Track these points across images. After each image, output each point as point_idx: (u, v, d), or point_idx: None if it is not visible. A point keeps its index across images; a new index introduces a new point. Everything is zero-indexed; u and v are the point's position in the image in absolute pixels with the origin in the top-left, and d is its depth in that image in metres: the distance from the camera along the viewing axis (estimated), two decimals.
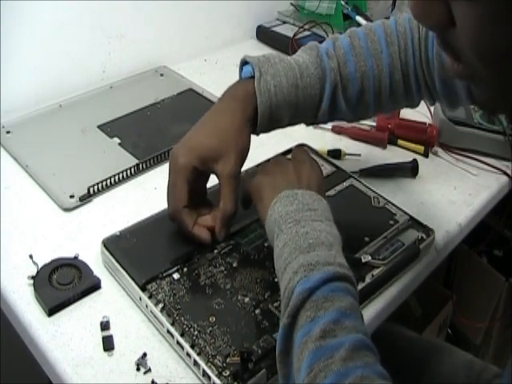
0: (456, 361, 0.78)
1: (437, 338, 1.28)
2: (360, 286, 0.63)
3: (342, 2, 1.22)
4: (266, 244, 0.68)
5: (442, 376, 0.76)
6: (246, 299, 0.62)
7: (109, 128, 0.91)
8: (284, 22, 1.27)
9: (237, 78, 1.14)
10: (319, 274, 0.50)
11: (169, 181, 0.65)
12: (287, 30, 1.22)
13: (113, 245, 0.66)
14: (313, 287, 0.49)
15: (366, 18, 1.23)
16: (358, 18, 1.22)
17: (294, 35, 1.17)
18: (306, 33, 1.20)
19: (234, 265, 0.66)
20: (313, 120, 0.70)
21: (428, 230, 0.72)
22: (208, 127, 0.65)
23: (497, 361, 1.37)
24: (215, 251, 0.67)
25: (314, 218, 0.55)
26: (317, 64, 0.66)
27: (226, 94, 0.66)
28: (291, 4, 1.30)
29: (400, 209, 0.75)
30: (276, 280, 0.63)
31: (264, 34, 1.25)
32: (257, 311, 0.61)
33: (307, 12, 1.24)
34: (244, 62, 0.67)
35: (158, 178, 0.82)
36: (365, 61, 0.67)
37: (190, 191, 0.64)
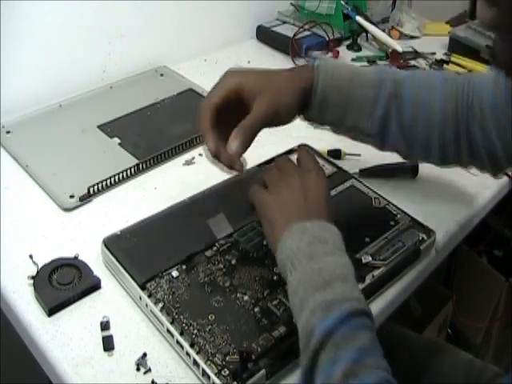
0: (456, 361, 0.78)
1: (437, 338, 1.28)
2: (360, 287, 0.63)
3: (342, 2, 1.22)
4: (264, 242, 0.68)
5: (443, 376, 0.76)
6: (245, 297, 0.62)
7: (109, 128, 0.91)
8: (284, 22, 1.27)
9: None
10: (337, 313, 0.49)
11: (210, 91, 0.67)
12: (287, 30, 1.22)
13: (113, 244, 0.66)
14: (332, 328, 0.48)
15: (366, 18, 1.23)
16: (358, 18, 1.22)
17: (294, 35, 1.17)
18: (306, 33, 1.20)
19: (233, 262, 0.66)
20: (364, 128, 0.68)
21: (429, 231, 0.72)
22: (264, 70, 0.68)
23: (497, 361, 1.37)
24: (214, 248, 0.67)
25: (327, 252, 0.54)
26: (375, 72, 0.68)
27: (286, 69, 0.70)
28: (291, 4, 1.30)
29: (401, 209, 0.75)
30: (275, 278, 0.64)
31: (264, 34, 1.25)
32: (256, 309, 0.61)
33: (307, 12, 1.24)
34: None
35: (158, 177, 0.82)
36: (421, 90, 0.67)
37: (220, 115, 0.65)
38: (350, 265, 0.55)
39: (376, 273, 0.66)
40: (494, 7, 0.39)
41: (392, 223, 0.73)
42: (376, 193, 0.77)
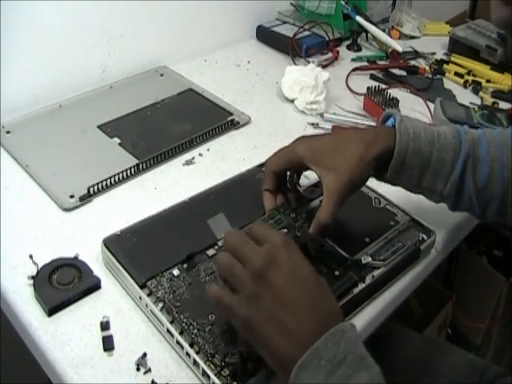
0: (458, 360, 0.78)
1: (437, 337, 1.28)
2: (360, 287, 0.63)
3: (342, 2, 1.22)
4: None
5: (444, 375, 0.76)
6: None
7: (109, 128, 0.91)
8: (284, 22, 1.27)
9: (236, 76, 1.15)
10: None
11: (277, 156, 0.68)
12: (287, 30, 1.22)
13: (113, 244, 0.66)
14: None
15: (366, 18, 1.23)
16: (358, 18, 1.22)
17: (294, 35, 1.17)
18: (306, 33, 1.20)
19: None
20: (440, 190, 0.68)
21: (429, 231, 0.72)
22: (334, 138, 0.67)
23: (497, 361, 1.37)
24: (215, 247, 0.67)
25: (349, 373, 0.47)
26: (454, 134, 0.67)
27: (363, 128, 0.69)
28: (291, 4, 1.30)
29: (401, 209, 0.75)
30: None
31: (264, 34, 1.25)
32: None
33: (307, 12, 1.24)
34: (386, 118, 0.71)
35: (158, 178, 0.82)
36: (496, 147, 0.67)
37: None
38: (375, 373, 0.48)
39: (376, 273, 0.66)
40: (509, 5, 0.38)
41: (392, 223, 0.73)
42: (376, 193, 0.77)
